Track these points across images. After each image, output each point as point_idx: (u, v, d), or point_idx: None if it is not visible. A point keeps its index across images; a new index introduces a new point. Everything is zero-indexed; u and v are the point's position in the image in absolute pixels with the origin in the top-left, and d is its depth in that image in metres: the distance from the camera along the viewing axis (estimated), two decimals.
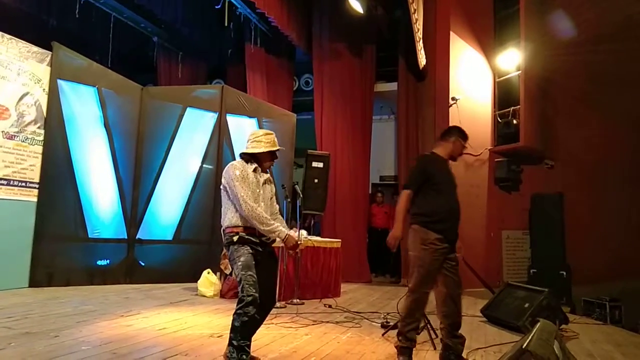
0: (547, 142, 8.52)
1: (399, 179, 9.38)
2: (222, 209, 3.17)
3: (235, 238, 3.05)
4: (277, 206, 3.41)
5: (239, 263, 2.98)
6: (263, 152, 3.18)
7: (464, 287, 7.84)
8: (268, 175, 3.31)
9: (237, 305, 2.90)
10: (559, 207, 7.51)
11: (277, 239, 3.12)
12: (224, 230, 3.13)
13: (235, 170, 3.09)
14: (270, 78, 9.95)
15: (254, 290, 2.89)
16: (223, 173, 3.16)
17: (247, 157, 3.20)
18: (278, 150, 3.27)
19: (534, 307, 4.74)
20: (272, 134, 3.28)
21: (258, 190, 3.15)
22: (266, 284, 3.13)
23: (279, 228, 3.04)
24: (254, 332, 3.09)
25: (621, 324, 6.20)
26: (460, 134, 3.73)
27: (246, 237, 3.06)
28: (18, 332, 3.67)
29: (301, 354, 3.54)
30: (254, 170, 3.16)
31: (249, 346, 2.94)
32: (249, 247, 3.05)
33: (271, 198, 3.30)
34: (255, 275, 2.96)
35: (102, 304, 5.13)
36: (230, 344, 2.90)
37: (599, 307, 6.56)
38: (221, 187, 3.16)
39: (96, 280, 6.47)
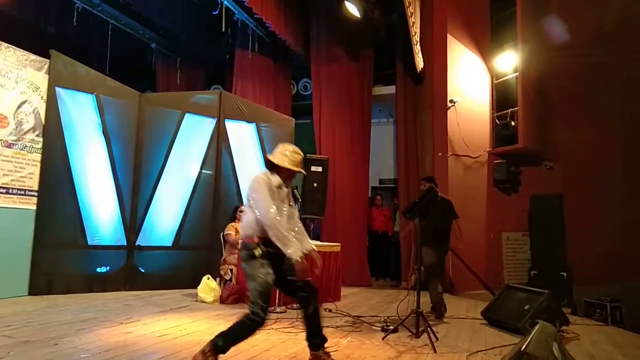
0: (545, 143, 8.52)
1: (398, 182, 9.38)
2: (242, 223, 3.15)
3: (256, 252, 2.96)
4: (300, 223, 3.31)
5: (258, 281, 2.91)
6: (283, 168, 3.13)
7: (466, 289, 7.91)
8: (289, 189, 3.27)
9: (248, 317, 2.87)
10: (558, 208, 7.50)
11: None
12: (243, 242, 3.06)
13: (261, 182, 3.05)
14: (269, 83, 9.98)
15: (266, 314, 2.89)
16: (249, 184, 3.10)
17: (270, 165, 3.16)
18: (299, 172, 3.22)
19: (534, 309, 4.73)
20: (300, 154, 3.23)
21: (283, 207, 3.13)
22: (298, 282, 3.10)
23: (294, 250, 2.88)
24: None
25: (622, 325, 6.18)
26: None
27: (268, 250, 2.99)
28: (18, 341, 3.66)
29: None
30: (278, 186, 3.12)
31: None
32: (269, 263, 2.98)
33: (293, 212, 3.24)
34: (269, 296, 2.95)
35: (101, 311, 5.12)
36: (214, 341, 2.90)
37: (600, 308, 6.55)
38: (245, 203, 3.12)
39: (96, 287, 6.47)
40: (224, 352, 2.95)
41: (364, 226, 9.23)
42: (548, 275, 7.34)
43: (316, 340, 3.23)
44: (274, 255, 3.00)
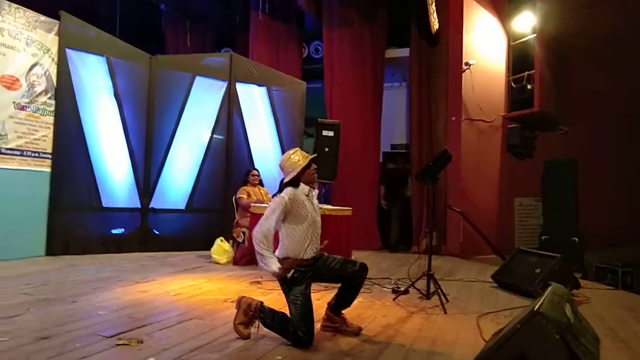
0: (561, 107, 8.35)
1: (410, 148, 9.31)
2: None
3: (288, 275, 2.96)
4: (319, 229, 3.20)
5: (298, 304, 2.94)
6: (300, 171, 3.06)
7: (476, 253, 7.93)
8: (314, 190, 3.22)
9: (293, 331, 2.88)
10: (572, 173, 7.39)
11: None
12: (279, 259, 3.03)
13: (276, 202, 3.00)
14: (279, 46, 9.82)
15: (311, 334, 2.92)
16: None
17: (292, 183, 3.08)
18: (313, 159, 3.13)
19: (546, 272, 4.73)
20: (297, 150, 3.16)
21: (315, 214, 3.11)
22: (340, 269, 3.14)
23: (270, 263, 2.92)
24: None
25: (633, 289, 6.19)
26: None
27: (303, 269, 3.01)
28: (37, 298, 3.76)
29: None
30: (307, 194, 3.10)
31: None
32: (305, 283, 2.99)
33: (316, 217, 3.16)
34: (312, 316, 2.98)
35: (117, 271, 5.23)
36: (264, 311, 3.02)
37: (611, 272, 6.55)
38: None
39: (112, 248, 6.59)
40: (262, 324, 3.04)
41: (375, 191, 9.22)
42: (559, 240, 7.30)
43: (343, 307, 3.29)
44: (307, 271, 3.04)
